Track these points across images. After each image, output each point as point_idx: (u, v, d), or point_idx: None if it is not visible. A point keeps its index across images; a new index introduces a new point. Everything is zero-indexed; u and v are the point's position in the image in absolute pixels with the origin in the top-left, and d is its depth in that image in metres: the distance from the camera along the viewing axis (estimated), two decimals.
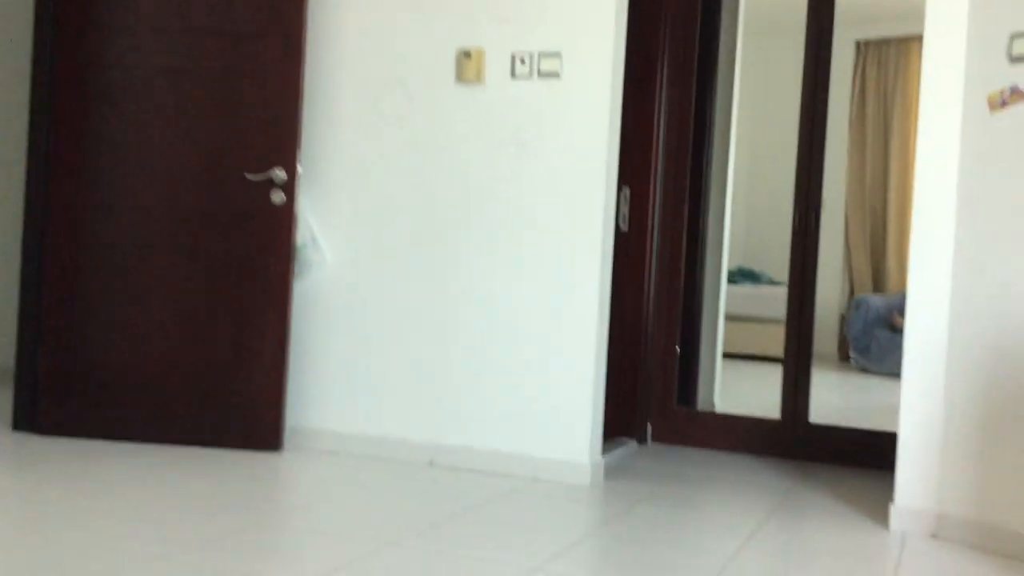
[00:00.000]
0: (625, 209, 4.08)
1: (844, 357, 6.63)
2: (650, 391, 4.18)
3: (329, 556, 2.46)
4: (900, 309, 6.09)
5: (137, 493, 2.96)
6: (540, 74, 3.47)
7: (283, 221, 3.59)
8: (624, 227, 4.08)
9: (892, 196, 6.88)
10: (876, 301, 6.41)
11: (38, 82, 3.72)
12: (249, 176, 3.59)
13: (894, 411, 3.17)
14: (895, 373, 3.28)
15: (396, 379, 3.66)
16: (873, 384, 5.98)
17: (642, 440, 4.17)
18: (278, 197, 3.58)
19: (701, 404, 4.67)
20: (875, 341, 6.22)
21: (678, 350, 4.22)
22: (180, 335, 3.63)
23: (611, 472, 3.62)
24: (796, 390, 4.06)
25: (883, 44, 6.82)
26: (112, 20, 3.62)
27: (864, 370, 6.32)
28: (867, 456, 3.92)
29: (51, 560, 2.32)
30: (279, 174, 3.57)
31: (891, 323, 6.23)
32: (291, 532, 2.71)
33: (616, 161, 3.52)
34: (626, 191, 4.08)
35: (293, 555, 2.51)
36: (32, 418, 3.70)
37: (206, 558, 2.39)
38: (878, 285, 6.94)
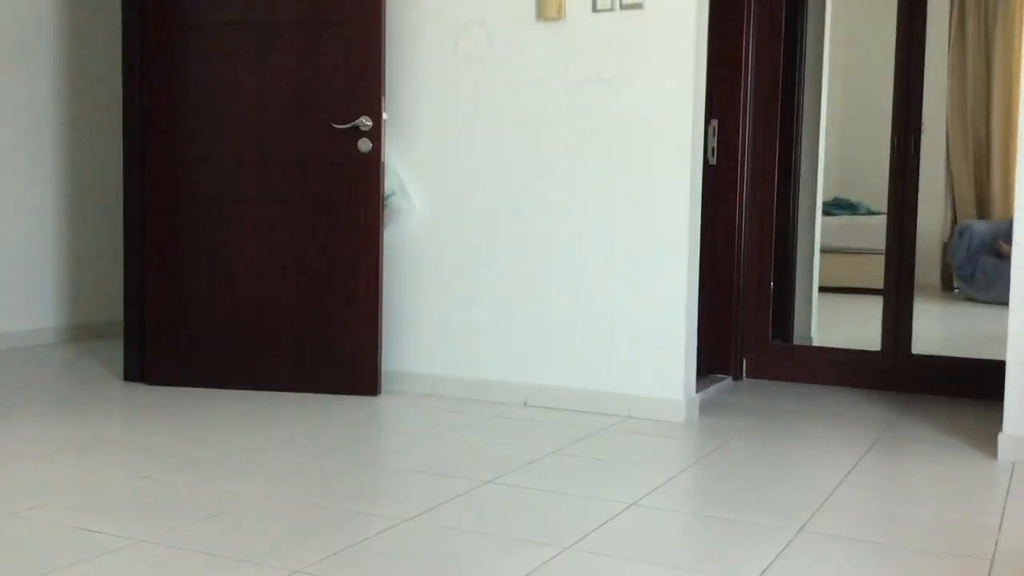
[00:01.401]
0: (713, 142, 4.00)
1: (948, 287, 6.42)
2: (744, 326, 4.12)
3: (430, 494, 2.51)
4: (1006, 236, 5.85)
5: (240, 439, 3.06)
6: (623, 6, 3.40)
7: (371, 169, 3.62)
8: (712, 160, 4.00)
9: (995, 119, 6.58)
10: (980, 227, 6.18)
11: (130, 41, 3.80)
12: (336, 125, 3.62)
13: (1002, 339, 3.06)
14: (1003, 301, 3.16)
15: (487, 321, 3.69)
16: (979, 313, 5.78)
17: (737, 376, 4.12)
18: (365, 145, 3.61)
19: (798, 339, 4.59)
20: (980, 269, 6.01)
21: (772, 285, 4.14)
22: (276, 284, 3.71)
23: (706, 408, 3.59)
24: (897, 321, 3.95)
25: None
26: None
27: (970, 299, 6.11)
28: (974, 386, 3.80)
29: (162, 503, 2.41)
30: (365, 122, 3.59)
31: (997, 250, 6.00)
32: (391, 472, 2.77)
33: (703, 93, 3.44)
34: (714, 123, 3.99)
35: (394, 494, 2.57)
36: (141, 369, 3.84)
37: (310, 498, 2.47)
38: (982, 211, 6.68)
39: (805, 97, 4.50)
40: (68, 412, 3.40)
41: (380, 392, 3.71)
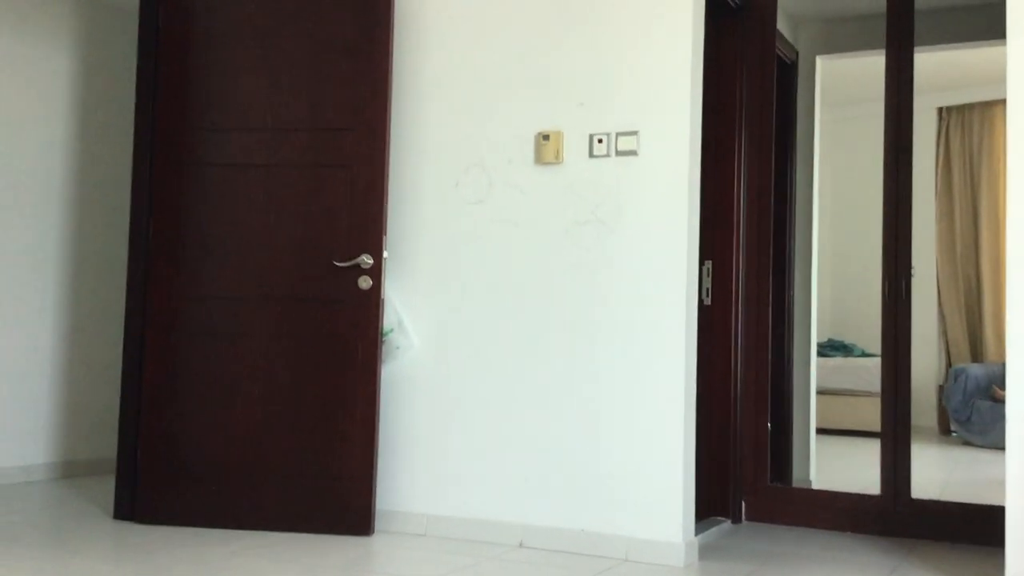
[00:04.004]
0: (708, 283, 4.07)
1: (945, 430, 6.40)
2: (742, 468, 4.09)
3: None
4: (1001, 380, 5.87)
5: None
6: (618, 152, 3.52)
7: (370, 306, 3.67)
8: (707, 300, 4.05)
9: (985, 263, 6.71)
10: (976, 371, 6.20)
11: (139, 180, 3.91)
12: (337, 263, 3.68)
13: (1001, 484, 3.04)
14: (1000, 445, 3.16)
15: (483, 460, 3.66)
16: (977, 457, 5.74)
17: (736, 519, 4.07)
18: (365, 282, 3.66)
19: (796, 481, 4.55)
20: (976, 412, 6.00)
21: (769, 426, 4.13)
22: (271, 421, 3.70)
23: (705, 552, 3.53)
24: (896, 464, 3.92)
25: (965, 109, 6.74)
26: (206, 121, 3.80)
27: (967, 443, 6.08)
28: (975, 532, 3.75)
29: None
30: (366, 260, 3.66)
31: (992, 395, 6.01)
32: None
33: (697, 235, 3.52)
34: (708, 265, 4.06)
35: None
36: (131, 507, 3.79)
37: None
38: (976, 355, 6.72)
39: (797, 240, 4.61)
40: (57, 551, 3.33)
41: (373, 532, 3.65)
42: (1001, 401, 5.73)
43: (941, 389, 6.44)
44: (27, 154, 4.81)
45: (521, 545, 3.55)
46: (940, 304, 6.73)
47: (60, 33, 4.96)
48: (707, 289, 4.06)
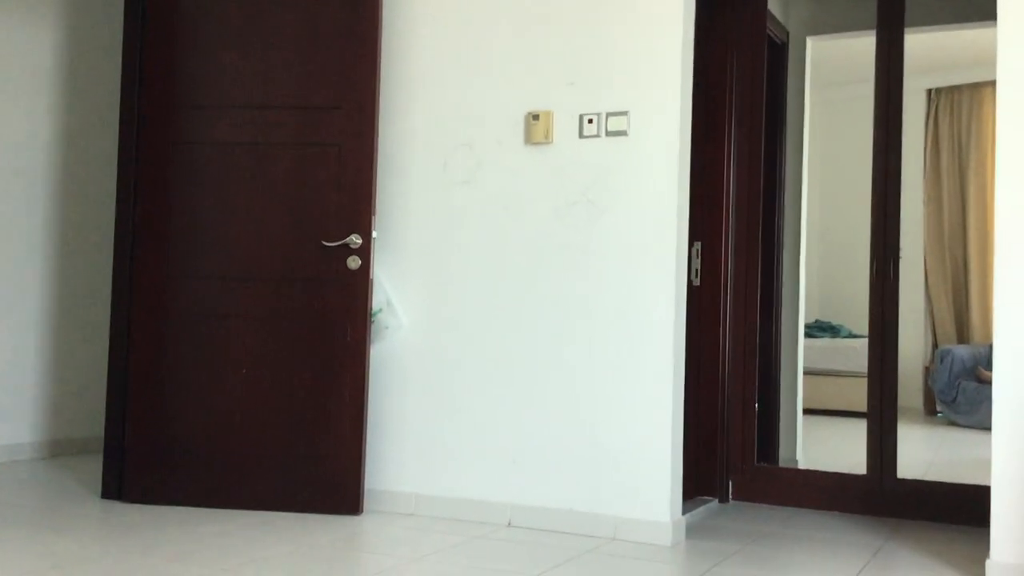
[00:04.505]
0: (697, 264, 4.07)
1: (931, 411, 6.45)
2: (730, 448, 4.11)
3: None
4: (986, 361, 5.91)
5: (217, 559, 2.99)
6: (608, 133, 3.50)
7: (359, 286, 3.66)
8: (696, 281, 4.06)
9: (972, 244, 6.73)
10: (962, 352, 6.24)
11: (125, 159, 3.88)
12: (326, 243, 3.67)
13: (986, 464, 3.07)
14: (985, 426, 3.18)
15: (472, 440, 3.67)
16: (963, 437, 5.79)
17: (724, 498, 4.09)
18: (354, 262, 3.65)
19: (783, 461, 4.57)
20: (962, 393, 6.04)
21: (756, 406, 4.15)
22: (260, 400, 3.70)
23: (692, 531, 3.55)
24: (882, 445, 3.95)
25: (954, 91, 6.74)
26: (195, 99, 3.77)
27: (952, 423, 6.13)
28: (959, 512, 3.78)
29: None
30: (355, 240, 3.65)
31: (978, 376, 6.05)
32: None
33: (686, 216, 3.52)
34: (697, 246, 4.07)
35: None
36: (119, 487, 3.78)
37: None
38: (962, 336, 6.76)
39: (786, 221, 4.61)
40: (43, 530, 3.33)
41: (362, 511, 3.66)
42: (986, 382, 5.77)
43: (927, 370, 6.48)
44: (13, 134, 4.76)
45: (510, 524, 3.57)
46: (927, 285, 6.76)
47: (45, 10, 4.90)
48: (696, 270, 4.07)
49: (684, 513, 3.54)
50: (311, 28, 3.72)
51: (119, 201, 3.88)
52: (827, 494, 4.00)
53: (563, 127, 3.57)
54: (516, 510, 3.57)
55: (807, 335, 5.37)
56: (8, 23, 4.74)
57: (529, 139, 3.62)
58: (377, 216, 3.80)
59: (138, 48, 3.86)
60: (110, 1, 5.16)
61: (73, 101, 5.03)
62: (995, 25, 3.04)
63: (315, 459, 3.65)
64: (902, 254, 3.99)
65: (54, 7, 4.94)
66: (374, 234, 3.69)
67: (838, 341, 6.49)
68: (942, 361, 6.22)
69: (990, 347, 3.04)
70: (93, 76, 5.12)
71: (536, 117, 3.60)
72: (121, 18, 4.17)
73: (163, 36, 3.80)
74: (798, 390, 4.79)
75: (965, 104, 6.71)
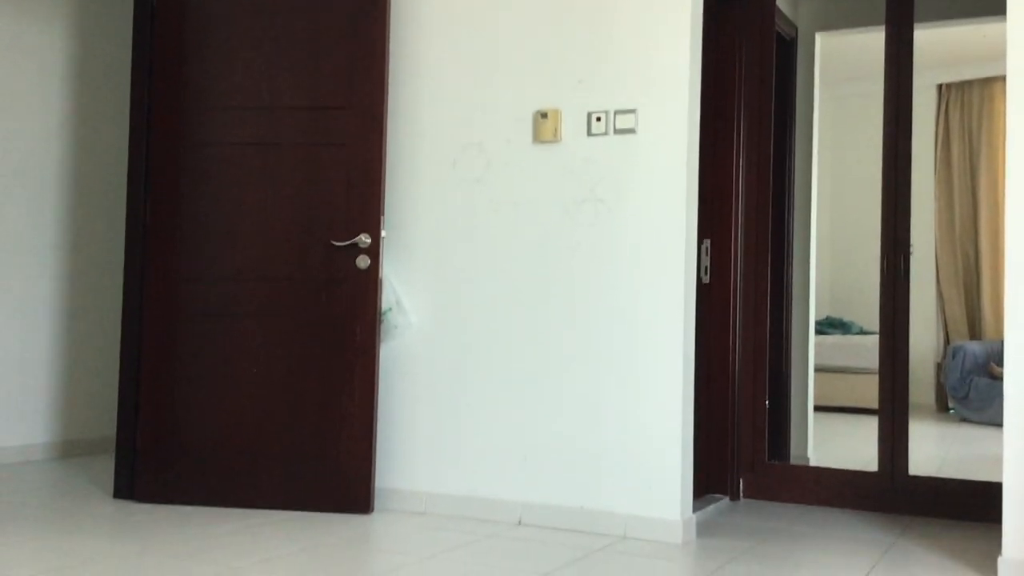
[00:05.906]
0: (706, 261, 4.06)
1: (943, 407, 6.42)
2: (740, 445, 4.10)
3: None
4: (998, 357, 5.89)
5: (229, 558, 3.00)
6: (616, 131, 3.50)
7: (369, 285, 3.66)
8: (705, 279, 4.05)
9: (984, 240, 6.70)
10: (973, 348, 6.22)
11: (135, 161, 3.89)
12: (335, 243, 3.67)
13: (998, 461, 3.05)
14: (998, 422, 3.17)
15: (482, 438, 3.67)
16: (975, 434, 5.76)
17: (734, 496, 4.08)
18: (363, 262, 3.66)
19: (794, 458, 4.56)
20: (974, 389, 6.02)
21: (767, 403, 4.14)
22: (270, 400, 3.71)
23: (703, 529, 3.54)
24: (894, 442, 3.93)
25: (965, 86, 6.71)
26: (205, 101, 3.78)
27: (964, 420, 6.10)
28: (972, 508, 3.76)
29: None
30: (364, 239, 3.65)
31: (990, 372, 6.03)
32: None
33: (695, 213, 3.51)
34: (707, 243, 4.06)
35: None
36: (131, 486, 3.80)
37: None
38: (974, 332, 6.73)
39: (795, 217, 4.60)
40: (56, 530, 3.34)
41: (373, 510, 3.66)
42: (999, 378, 5.74)
43: (939, 366, 6.46)
44: (24, 136, 4.78)
45: (520, 523, 3.57)
46: (938, 281, 6.73)
47: (56, 12, 4.92)
48: (706, 267, 4.06)
49: (695, 511, 3.54)
50: (319, 29, 3.73)
51: (130, 202, 3.90)
52: (838, 491, 3.99)
53: (571, 125, 3.57)
54: (526, 508, 3.57)
55: (818, 332, 5.36)
56: (18, 26, 4.76)
57: (538, 137, 3.62)
58: (386, 216, 3.80)
59: (147, 50, 3.87)
60: (120, 5, 5.18)
61: (84, 104, 5.05)
62: (1005, 19, 3.03)
63: (325, 458, 3.66)
64: (913, 250, 3.98)
65: (66, 12, 4.96)
66: (383, 233, 3.70)
67: (849, 338, 6.48)
68: (954, 357, 6.20)
69: (1002, 343, 3.02)
70: (103, 78, 5.14)
71: (544, 115, 3.60)
72: (131, 21, 4.19)
73: (172, 39, 3.81)
74: (809, 387, 4.78)
75: (975, 99, 6.68)
